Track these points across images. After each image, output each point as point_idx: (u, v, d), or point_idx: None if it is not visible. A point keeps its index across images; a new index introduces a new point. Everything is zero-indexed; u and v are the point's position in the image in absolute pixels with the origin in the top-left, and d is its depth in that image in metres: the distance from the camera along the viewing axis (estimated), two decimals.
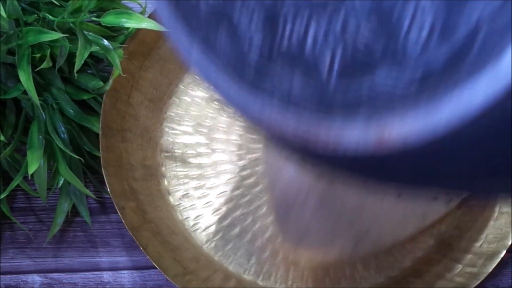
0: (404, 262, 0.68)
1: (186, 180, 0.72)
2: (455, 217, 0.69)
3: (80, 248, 0.71)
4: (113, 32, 0.70)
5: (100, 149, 0.67)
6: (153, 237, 0.67)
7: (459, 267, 0.65)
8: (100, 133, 0.68)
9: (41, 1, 0.64)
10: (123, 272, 0.70)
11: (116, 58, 0.64)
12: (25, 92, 0.63)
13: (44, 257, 0.70)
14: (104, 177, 0.66)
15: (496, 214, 0.67)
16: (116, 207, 0.65)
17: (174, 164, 0.73)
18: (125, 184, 0.69)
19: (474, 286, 0.63)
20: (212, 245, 0.69)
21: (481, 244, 0.66)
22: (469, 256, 0.66)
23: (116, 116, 0.71)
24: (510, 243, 0.64)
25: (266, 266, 0.68)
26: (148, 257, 0.63)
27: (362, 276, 0.68)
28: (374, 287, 0.67)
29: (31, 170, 0.63)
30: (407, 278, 0.67)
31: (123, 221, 0.65)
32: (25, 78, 0.61)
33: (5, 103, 0.68)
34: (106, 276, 0.70)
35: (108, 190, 0.66)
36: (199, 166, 0.73)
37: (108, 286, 0.69)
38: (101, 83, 0.69)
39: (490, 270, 0.63)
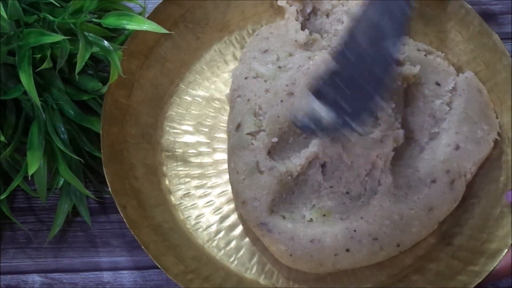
0: (406, 260, 0.68)
1: (187, 179, 0.73)
2: (456, 215, 0.69)
3: (80, 248, 0.71)
4: (113, 33, 0.70)
5: (101, 148, 0.67)
6: (154, 236, 0.67)
7: (461, 266, 0.65)
8: (101, 131, 0.68)
9: (41, 2, 0.64)
10: (123, 272, 0.70)
11: (117, 59, 0.64)
12: (25, 93, 0.63)
13: (44, 257, 0.71)
14: (105, 176, 0.66)
15: (498, 213, 0.67)
16: (117, 206, 0.65)
17: (175, 163, 0.73)
18: (126, 183, 0.69)
19: (476, 284, 0.63)
20: (214, 244, 0.70)
21: (482, 243, 0.66)
22: (471, 254, 0.66)
23: (117, 115, 0.71)
24: (511, 242, 0.64)
25: (268, 265, 0.68)
26: (150, 255, 0.63)
27: (364, 274, 0.68)
28: (376, 285, 0.67)
29: (31, 171, 0.63)
30: (409, 276, 0.67)
31: (124, 219, 0.65)
32: (26, 79, 0.61)
33: (5, 104, 0.68)
34: (106, 276, 0.70)
35: (109, 188, 0.66)
36: (200, 165, 0.73)
37: (108, 286, 0.70)
38: (100, 84, 0.69)
39: (491, 268, 0.63)
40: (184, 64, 0.77)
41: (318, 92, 0.63)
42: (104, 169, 0.67)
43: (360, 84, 0.63)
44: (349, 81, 0.63)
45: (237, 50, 0.78)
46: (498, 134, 0.70)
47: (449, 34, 0.76)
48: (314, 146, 0.67)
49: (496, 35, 0.72)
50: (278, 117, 0.68)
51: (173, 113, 0.75)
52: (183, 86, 0.77)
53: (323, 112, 0.63)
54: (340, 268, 0.66)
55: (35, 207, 0.72)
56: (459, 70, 0.74)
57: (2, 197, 0.65)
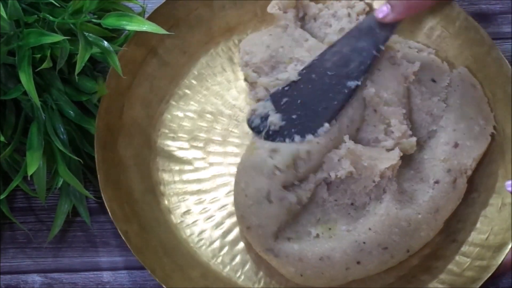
0: (412, 260, 0.67)
1: (186, 197, 0.72)
2: (458, 211, 0.68)
3: (80, 248, 0.71)
4: (113, 33, 0.70)
5: (97, 173, 0.67)
6: (159, 259, 0.66)
7: (468, 261, 0.65)
8: (95, 157, 0.67)
9: (41, 2, 0.64)
10: (123, 272, 0.70)
11: (116, 60, 0.64)
12: (25, 93, 0.63)
13: (44, 257, 0.70)
14: (104, 201, 0.66)
15: (499, 206, 0.67)
16: (120, 232, 0.65)
17: (172, 181, 0.73)
18: (125, 206, 0.68)
19: (485, 278, 0.62)
20: (219, 260, 0.69)
21: (487, 237, 0.66)
22: (477, 249, 0.65)
23: (110, 138, 0.70)
24: None
25: (275, 277, 0.67)
26: (157, 280, 0.63)
27: (371, 277, 0.67)
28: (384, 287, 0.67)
29: (30, 171, 0.63)
30: (417, 277, 0.66)
31: (128, 245, 0.64)
32: (26, 79, 0.61)
33: (5, 104, 0.68)
34: (106, 276, 0.70)
35: (110, 214, 0.65)
36: (198, 181, 0.73)
37: (108, 286, 0.69)
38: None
39: (499, 261, 0.63)
40: (173, 80, 0.76)
41: (273, 96, 0.69)
42: (102, 194, 0.66)
43: (313, 102, 0.69)
44: (304, 95, 0.69)
45: (225, 61, 0.78)
46: (494, 127, 0.70)
47: (435, 30, 0.76)
48: (323, 172, 0.66)
49: (483, 29, 0.72)
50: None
51: (166, 131, 0.75)
52: (173, 102, 0.76)
53: (271, 112, 0.69)
54: (352, 280, 0.65)
55: (34, 207, 0.72)
56: (449, 66, 0.74)
57: (2, 197, 0.65)
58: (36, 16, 0.63)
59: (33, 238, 0.71)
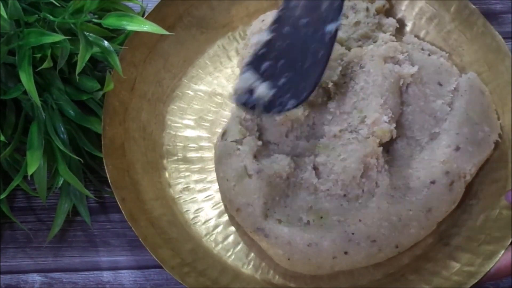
0: (403, 259, 0.68)
1: (187, 173, 0.73)
2: (455, 216, 0.69)
3: (80, 248, 0.71)
4: (112, 32, 0.70)
5: (102, 140, 0.67)
6: (152, 229, 0.67)
7: (457, 266, 0.66)
8: (102, 124, 0.68)
9: (41, 1, 0.64)
10: (123, 271, 0.70)
11: (117, 60, 0.64)
12: (25, 93, 0.63)
13: (44, 257, 0.71)
14: (105, 167, 0.66)
15: (496, 215, 0.67)
16: (116, 198, 0.65)
17: (176, 157, 0.73)
18: (126, 175, 0.69)
19: (471, 284, 0.63)
20: (212, 238, 0.70)
21: (479, 244, 0.66)
22: (468, 255, 0.66)
23: (119, 108, 0.71)
24: (508, 243, 0.64)
25: (265, 261, 0.68)
26: (147, 247, 0.64)
27: (360, 272, 0.68)
28: (372, 284, 0.67)
29: (30, 171, 0.63)
30: (406, 276, 0.67)
31: (122, 211, 0.65)
32: (26, 79, 0.61)
33: (5, 103, 0.68)
34: (106, 275, 0.70)
35: (109, 181, 0.66)
36: (201, 159, 0.73)
37: (108, 286, 0.70)
38: (98, 85, 0.69)
39: (487, 269, 0.63)
40: (188, 58, 0.77)
41: (251, 64, 0.64)
42: (104, 161, 0.67)
43: (296, 59, 0.63)
44: (284, 54, 0.64)
45: (240, 46, 0.78)
46: (499, 135, 0.70)
47: (453, 34, 0.76)
48: (284, 159, 0.68)
49: (500, 36, 0.72)
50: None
51: (175, 107, 0.75)
52: (185, 81, 0.77)
53: (256, 83, 0.64)
54: (338, 270, 0.66)
55: (35, 207, 0.73)
56: (462, 70, 0.74)
57: (2, 196, 0.65)
58: (36, 15, 0.63)
59: (33, 238, 0.71)
